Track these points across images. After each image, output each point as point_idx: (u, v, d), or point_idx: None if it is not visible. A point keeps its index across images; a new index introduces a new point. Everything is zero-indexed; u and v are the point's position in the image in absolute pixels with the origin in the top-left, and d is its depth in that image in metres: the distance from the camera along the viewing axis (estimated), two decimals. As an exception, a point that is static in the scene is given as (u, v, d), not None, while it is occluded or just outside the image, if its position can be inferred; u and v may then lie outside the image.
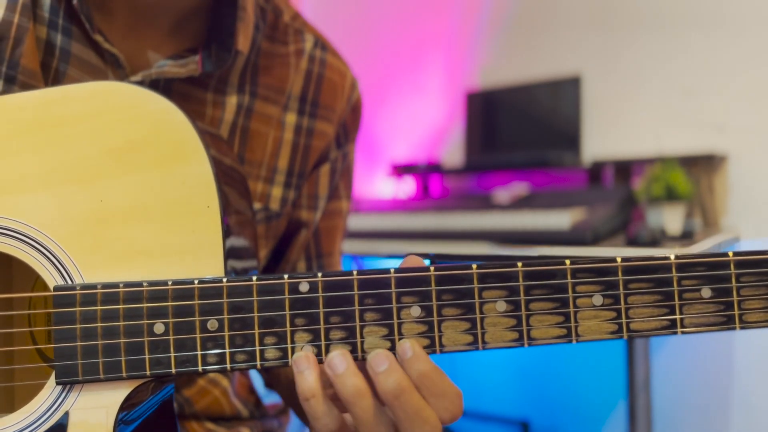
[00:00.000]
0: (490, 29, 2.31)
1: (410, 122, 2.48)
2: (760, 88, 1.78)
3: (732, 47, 1.82)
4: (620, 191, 1.72)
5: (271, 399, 0.89)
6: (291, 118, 0.74)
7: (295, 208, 0.77)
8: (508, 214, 1.69)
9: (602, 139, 2.04)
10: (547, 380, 2.10)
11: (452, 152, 2.38)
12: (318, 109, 0.76)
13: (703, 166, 1.76)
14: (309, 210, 0.78)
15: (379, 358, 0.46)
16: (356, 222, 1.92)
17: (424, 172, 2.26)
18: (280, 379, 0.80)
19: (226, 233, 0.52)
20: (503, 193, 1.90)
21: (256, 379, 0.88)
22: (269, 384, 0.84)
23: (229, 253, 0.52)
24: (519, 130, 2.16)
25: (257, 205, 0.72)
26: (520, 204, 1.81)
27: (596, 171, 1.93)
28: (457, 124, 2.36)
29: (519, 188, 1.93)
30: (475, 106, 2.25)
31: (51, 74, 0.63)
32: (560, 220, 1.55)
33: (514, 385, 2.16)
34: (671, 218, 1.63)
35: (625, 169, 1.89)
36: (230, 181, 0.55)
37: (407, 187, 2.37)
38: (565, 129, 2.04)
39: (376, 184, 2.52)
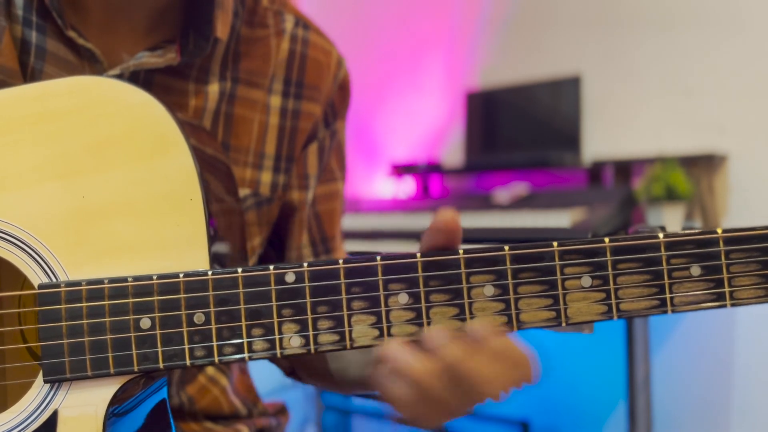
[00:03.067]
0: (490, 29, 2.30)
1: (410, 122, 2.48)
2: (760, 88, 1.77)
3: (732, 47, 1.82)
4: (620, 191, 1.71)
5: (270, 398, 0.88)
6: (276, 101, 0.73)
7: (286, 191, 0.76)
8: (508, 214, 1.68)
9: (602, 139, 2.04)
10: (547, 380, 2.09)
11: (452, 152, 2.37)
12: (303, 90, 0.75)
13: (703, 166, 1.75)
14: (300, 190, 0.76)
15: (438, 333, 0.46)
16: (356, 222, 1.92)
17: (424, 172, 2.25)
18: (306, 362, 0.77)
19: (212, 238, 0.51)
20: (503, 193, 1.89)
21: (256, 377, 0.87)
22: (291, 372, 0.81)
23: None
24: (519, 130, 2.16)
25: (246, 191, 0.71)
26: (520, 204, 1.81)
27: (596, 171, 1.92)
28: (457, 124, 2.35)
29: (519, 188, 1.92)
30: (475, 106, 2.25)
31: (28, 72, 0.62)
32: (560, 220, 1.55)
33: (515, 385, 2.15)
34: (671, 218, 1.62)
35: (625, 169, 1.88)
36: (213, 170, 0.54)
37: (407, 187, 2.37)
38: (565, 129, 2.04)
39: (376, 184, 2.52)
